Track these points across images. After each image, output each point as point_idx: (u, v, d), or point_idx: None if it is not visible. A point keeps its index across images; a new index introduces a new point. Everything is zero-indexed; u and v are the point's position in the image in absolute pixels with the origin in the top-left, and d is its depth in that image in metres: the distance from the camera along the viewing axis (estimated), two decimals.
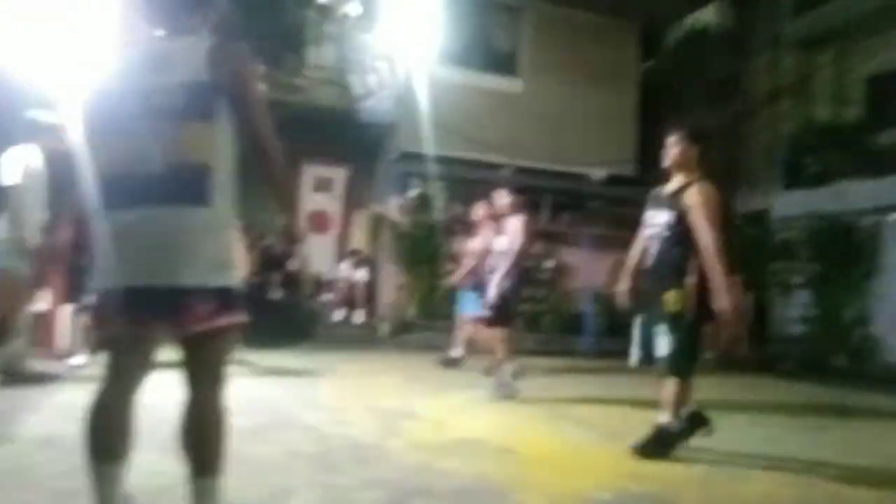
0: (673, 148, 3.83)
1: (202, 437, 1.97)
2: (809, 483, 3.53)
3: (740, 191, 12.82)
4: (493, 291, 5.76)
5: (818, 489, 3.44)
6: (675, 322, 3.67)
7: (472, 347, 7.24)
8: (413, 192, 11.11)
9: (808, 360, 9.72)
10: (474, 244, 7.16)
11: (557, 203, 11.87)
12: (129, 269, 1.90)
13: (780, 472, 3.69)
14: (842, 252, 10.13)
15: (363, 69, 11.46)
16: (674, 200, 3.75)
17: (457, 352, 7.41)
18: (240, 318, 1.97)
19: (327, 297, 11.12)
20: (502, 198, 6.12)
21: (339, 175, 12.35)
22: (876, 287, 9.93)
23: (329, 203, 12.35)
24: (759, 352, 10.04)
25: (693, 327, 3.70)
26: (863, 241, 10.12)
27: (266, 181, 2.02)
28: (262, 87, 2.19)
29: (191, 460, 1.95)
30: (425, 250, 10.70)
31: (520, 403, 5.37)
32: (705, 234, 3.59)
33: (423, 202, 11.04)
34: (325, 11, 11.63)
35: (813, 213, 10.49)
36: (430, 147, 10.80)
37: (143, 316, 1.92)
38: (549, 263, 11.41)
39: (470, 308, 7.06)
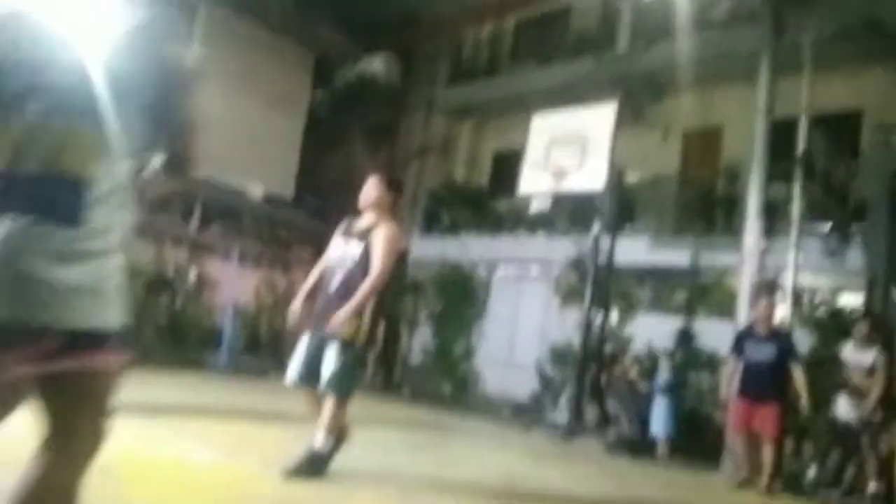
0: (374, 189, 4.14)
1: None
2: (405, 497, 3.90)
3: None
4: None
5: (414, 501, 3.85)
6: (348, 346, 3.85)
7: None
8: None
9: (423, 387, 10.89)
10: None
11: (208, 213, 11.43)
12: None
13: (385, 486, 4.03)
14: (459, 295, 11.69)
15: None
16: (366, 235, 4.02)
17: None
18: (111, 358, 1.54)
19: None
20: None
21: None
22: (481, 328, 11.66)
23: None
24: (387, 377, 10.96)
25: (361, 353, 4.01)
26: (476, 288, 11.82)
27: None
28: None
29: None
30: None
31: (135, 417, 4.95)
32: (377, 265, 3.91)
33: None
34: None
35: (441, 259, 11.95)
36: None
37: None
38: (192, 274, 10.87)
39: None
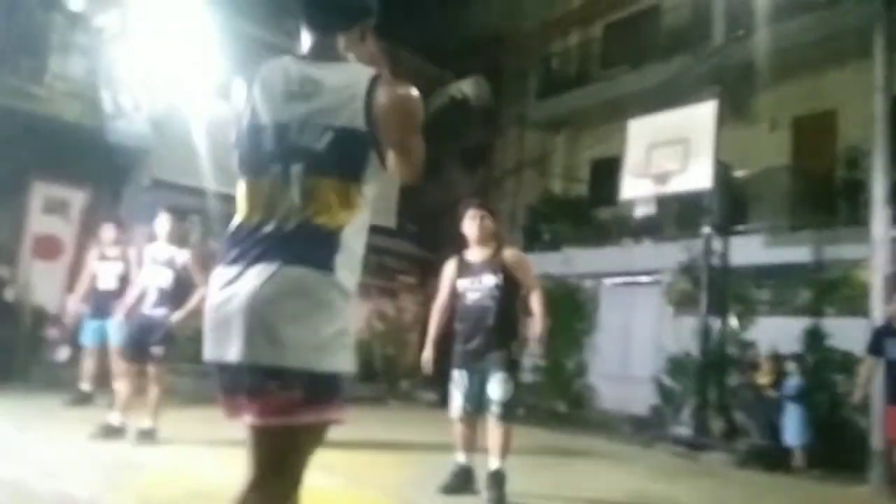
0: (480, 221, 4.31)
1: None
2: None
3: None
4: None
5: None
6: (513, 371, 4.16)
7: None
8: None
9: (536, 406, 10.75)
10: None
11: None
12: (223, 339, 1.57)
13: None
14: (567, 310, 11.48)
15: (117, 87, 10.57)
16: (496, 265, 4.23)
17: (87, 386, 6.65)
18: (332, 414, 1.59)
19: (51, 332, 9.78)
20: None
21: (76, 197, 11.09)
22: (593, 342, 11.39)
23: (62, 227, 11.00)
24: None
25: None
26: (584, 302, 11.58)
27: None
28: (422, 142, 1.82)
29: None
30: None
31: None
32: (535, 286, 4.30)
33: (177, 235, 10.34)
34: (76, 18, 10.59)
35: (545, 275, 11.80)
36: (188, 178, 10.24)
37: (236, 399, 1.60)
38: None
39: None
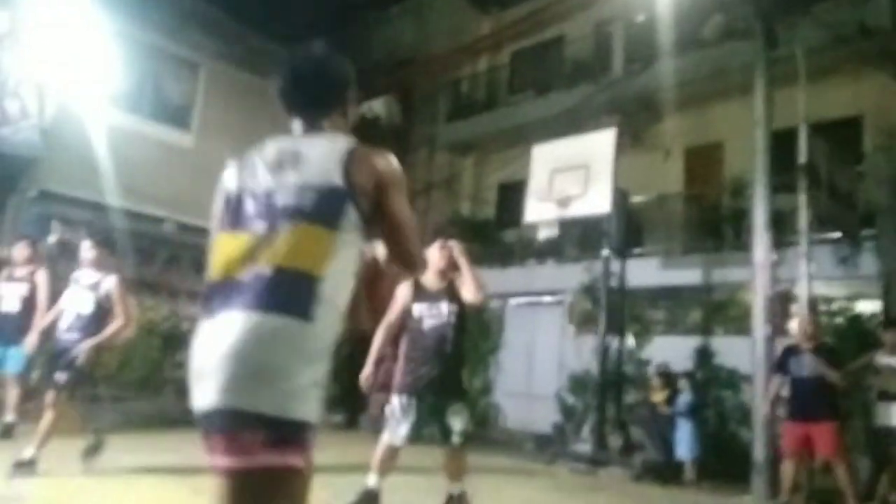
0: (448, 251, 4.40)
1: None
2: None
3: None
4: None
5: None
6: (465, 398, 4.32)
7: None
8: (53, 238, 9.77)
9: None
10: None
11: None
12: (204, 387, 1.58)
13: None
14: (474, 330, 11.61)
15: (3, 92, 9.91)
16: (452, 293, 4.29)
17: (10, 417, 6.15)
18: (293, 460, 1.56)
19: None
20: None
21: None
22: (498, 361, 11.56)
23: None
24: None
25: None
26: (490, 321, 11.76)
27: (370, 290, 1.88)
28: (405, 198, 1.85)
29: None
30: None
31: (155, 480, 4.95)
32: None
33: (65, 250, 9.76)
34: None
35: None
36: (80, 190, 9.72)
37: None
38: None
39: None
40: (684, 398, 8.13)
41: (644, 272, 9.66)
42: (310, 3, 15.24)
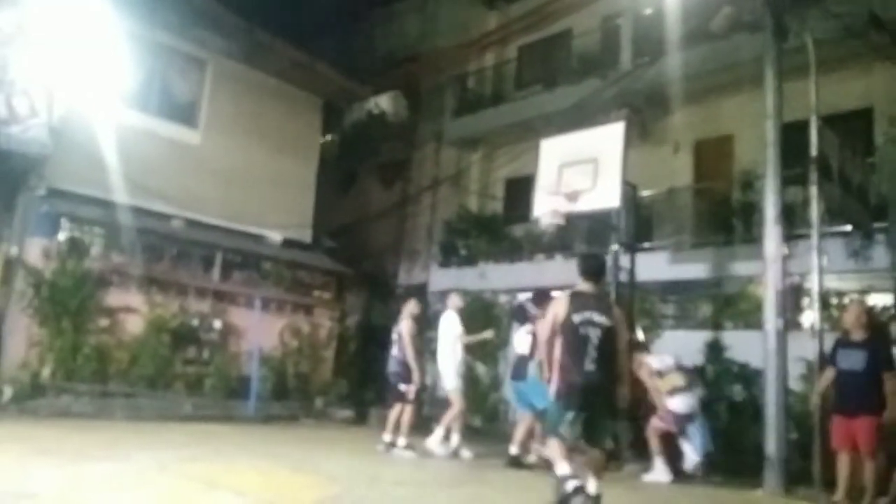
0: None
1: None
2: None
3: (404, 265, 13.99)
4: None
5: None
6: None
7: None
8: (62, 236, 9.81)
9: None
10: None
11: (229, 262, 11.53)
12: None
13: None
14: (482, 324, 11.59)
15: (12, 90, 9.95)
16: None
17: None
18: None
19: None
20: None
21: None
22: (507, 356, 11.53)
23: None
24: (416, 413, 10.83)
25: None
26: (498, 316, 11.73)
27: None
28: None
29: None
30: (71, 302, 9.43)
31: (169, 474, 4.97)
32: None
33: (75, 247, 9.80)
34: None
35: (460, 290, 11.88)
36: (88, 188, 9.76)
37: None
38: (217, 324, 10.91)
39: None
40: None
41: (654, 266, 9.61)
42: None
